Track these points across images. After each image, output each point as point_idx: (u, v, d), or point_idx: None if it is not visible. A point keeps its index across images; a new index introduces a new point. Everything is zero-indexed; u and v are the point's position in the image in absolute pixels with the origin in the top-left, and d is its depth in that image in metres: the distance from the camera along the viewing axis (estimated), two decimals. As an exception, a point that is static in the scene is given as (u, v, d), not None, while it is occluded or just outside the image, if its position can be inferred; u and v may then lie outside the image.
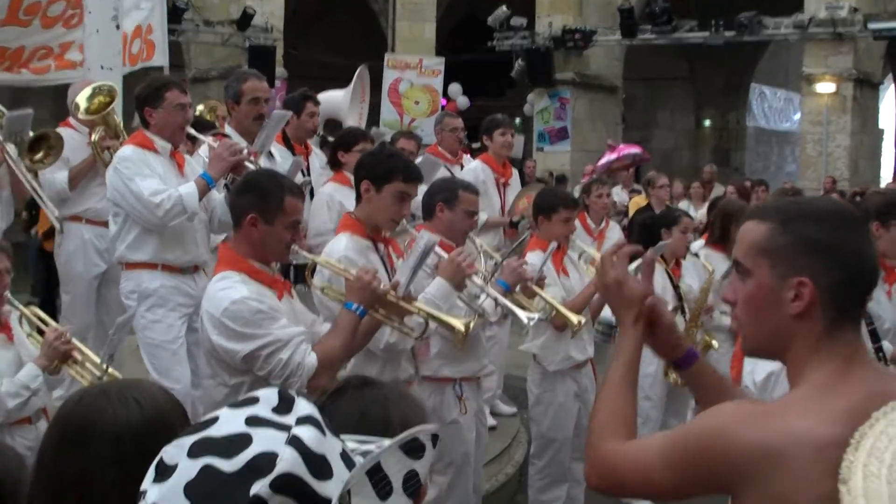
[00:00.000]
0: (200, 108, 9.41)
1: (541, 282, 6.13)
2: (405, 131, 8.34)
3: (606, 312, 7.45)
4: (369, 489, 1.60)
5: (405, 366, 5.36)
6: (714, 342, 7.95)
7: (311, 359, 4.42)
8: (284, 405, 1.62)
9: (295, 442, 1.53)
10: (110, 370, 5.29)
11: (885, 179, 25.93)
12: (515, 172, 9.70)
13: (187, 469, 1.53)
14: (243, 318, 4.32)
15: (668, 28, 22.21)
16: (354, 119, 12.57)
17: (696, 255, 8.19)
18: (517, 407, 9.62)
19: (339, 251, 5.12)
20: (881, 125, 26.39)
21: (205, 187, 6.24)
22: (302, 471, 1.51)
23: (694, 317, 7.81)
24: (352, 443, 1.73)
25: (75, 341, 5.24)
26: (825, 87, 21.86)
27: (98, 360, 5.28)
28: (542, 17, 23.45)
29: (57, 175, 7.59)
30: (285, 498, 1.49)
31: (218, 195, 6.40)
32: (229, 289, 4.40)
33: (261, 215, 4.44)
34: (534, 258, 6.58)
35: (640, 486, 2.52)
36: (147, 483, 1.57)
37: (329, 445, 1.59)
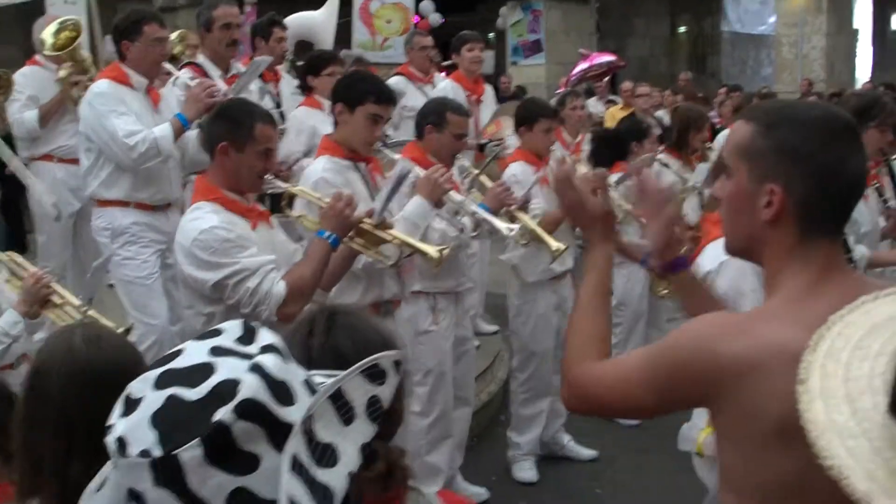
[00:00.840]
0: (172, 37, 9.27)
1: (524, 206, 6.16)
2: (329, 54, 8.23)
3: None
4: (332, 414, 1.60)
5: (389, 284, 5.39)
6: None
7: (280, 287, 4.41)
8: (247, 335, 1.65)
9: (257, 369, 1.55)
10: (90, 312, 5.28)
11: (861, 80, 25.88)
12: (489, 88, 9.65)
13: (153, 400, 1.55)
14: (211, 247, 4.32)
15: (640, -65, 21.97)
16: (330, 42, 12.38)
17: (666, 164, 8.18)
18: (499, 325, 9.68)
19: (316, 173, 5.17)
20: (856, 25, 26.23)
21: (180, 129, 6.22)
22: (265, 397, 1.53)
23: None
24: (319, 377, 1.74)
25: (54, 285, 5.21)
26: (800, -12, 21.73)
27: (77, 303, 5.27)
28: (513, -71, 23.20)
29: (26, 114, 7.53)
30: (248, 423, 1.51)
31: (190, 133, 6.35)
32: (199, 219, 4.41)
33: (232, 143, 4.43)
34: (516, 168, 6.63)
35: (619, 405, 2.55)
36: (114, 417, 1.58)
37: (291, 372, 1.61)
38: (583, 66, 18.10)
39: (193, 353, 1.62)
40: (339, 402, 1.63)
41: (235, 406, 1.50)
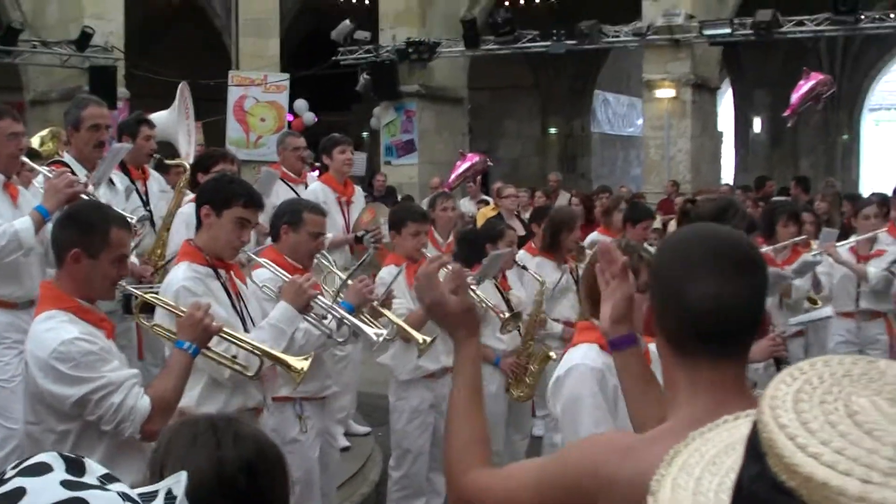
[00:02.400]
0: (43, 133, 9.12)
1: (388, 301, 6.17)
2: (220, 152, 8.24)
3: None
4: None
5: (253, 392, 5.27)
6: (552, 353, 8.07)
7: (144, 402, 4.21)
8: (75, 466, 1.57)
9: (129, 498, 1.52)
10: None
11: (726, 180, 26.64)
12: (358, 190, 9.69)
13: None
14: (73, 360, 4.09)
15: (511, 38, 22.41)
16: (185, 138, 12.32)
17: (524, 267, 8.28)
18: (371, 425, 9.61)
19: (177, 282, 5.03)
20: (720, 128, 27.08)
21: (40, 221, 6.07)
22: None
23: (530, 329, 7.91)
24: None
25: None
26: (665, 92, 22.33)
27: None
28: (385, 30, 23.46)
29: None
30: None
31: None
32: (57, 329, 4.17)
33: (85, 250, 4.22)
34: (385, 273, 6.68)
35: None
36: None
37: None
38: (463, 165, 18.35)
39: (43, 490, 1.51)
40: None
41: None
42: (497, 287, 7.83)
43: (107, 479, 1.55)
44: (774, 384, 1.30)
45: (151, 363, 7.38)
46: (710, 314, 2.23)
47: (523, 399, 7.99)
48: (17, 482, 1.52)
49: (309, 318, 5.46)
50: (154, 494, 1.64)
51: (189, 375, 4.47)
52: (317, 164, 10.37)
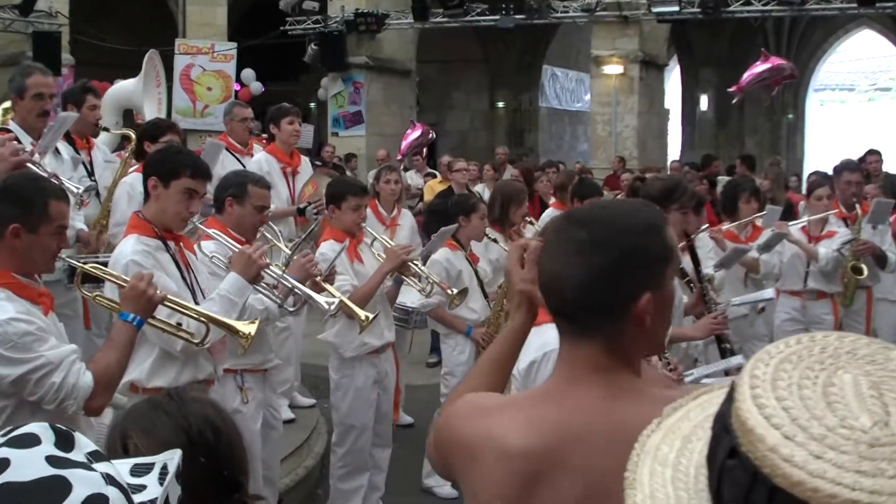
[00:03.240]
0: (6, 105, 8.93)
1: (330, 276, 6.15)
2: (167, 123, 8.15)
3: (403, 297, 7.52)
4: None
5: (203, 364, 5.26)
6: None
7: (87, 379, 4.15)
8: (64, 440, 1.54)
9: (112, 481, 1.49)
10: None
11: (672, 157, 26.81)
12: (305, 160, 9.63)
13: None
14: (10, 341, 4.00)
15: (460, 11, 22.34)
16: (153, 107, 12.25)
17: (494, 239, 8.32)
18: (316, 397, 9.61)
19: (126, 255, 4.98)
20: (667, 105, 27.22)
21: None
22: None
23: (500, 300, 7.93)
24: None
25: None
26: (613, 68, 22.43)
27: None
28: (334, 1, 23.30)
29: None
30: None
31: None
32: None
33: (24, 224, 4.11)
34: (327, 248, 6.63)
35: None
36: None
37: (123, 477, 1.57)
38: (413, 134, 18.32)
39: (26, 464, 1.48)
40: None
41: None
42: (467, 259, 7.86)
43: (94, 457, 1.53)
44: (773, 346, 1.33)
45: (96, 333, 7.33)
46: (548, 292, 2.33)
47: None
48: (3, 452, 1.50)
49: (259, 289, 5.44)
50: (150, 467, 1.63)
51: (133, 347, 4.41)
52: (264, 134, 10.27)
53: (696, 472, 1.39)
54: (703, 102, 35.13)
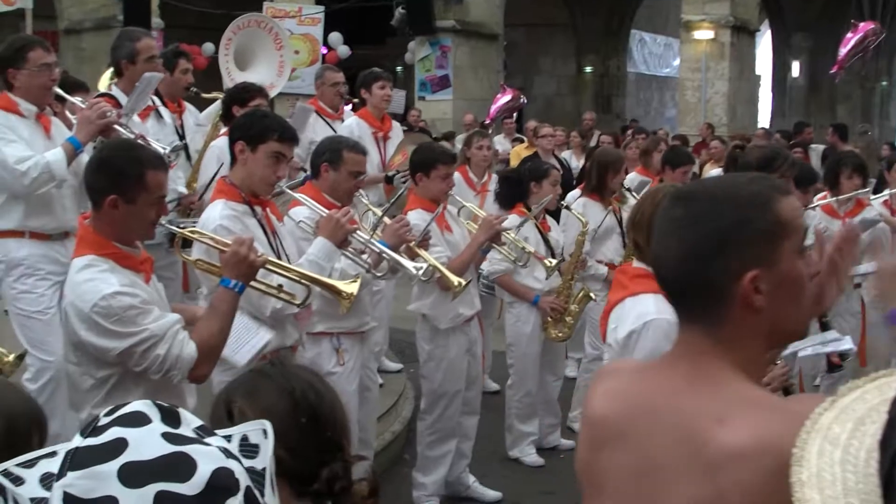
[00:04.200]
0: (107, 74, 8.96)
1: (424, 242, 6.09)
2: (255, 87, 8.09)
3: (489, 265, 7.47)
4: (270, 488, 1.57)
5: (290, 331, 5.25)
6: (592, 294, 8.03)
7: (190, 349, 4.15)
8: (171, 416, 1.53)
9: (230, 454, 1.49)
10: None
11: (762, 124, 26.41)
12: (396, 125, 9.58)
13: (136, 499, 1.42)
14: (115, 315, 4.01)
15: (548, -25, 22.18)
16: (269, 71, 11.96)
17: (567, 207, 8.22)
18: (403, 362, 9.61)
19: (214, 220, 4.97)
20: (757, 72, 26.80)
21: (72, 152, 6.03)
22: (251, 482, 1.49)
23: (570, 269, 7.86)
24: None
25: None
26: (703, 33, 22.12)
27: (-33, 330, 5.11)
28: (422, -36, 23.24)
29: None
30: None
31: (86, 157, 6.14)
32: (97, 280, 4.07)
33: (121, 195, 4.08)
34: (414, 217, 6.53)
35: None
36: None
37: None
38: (503, 98, 18.23)
39: (144, 442, 1.47)
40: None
41: (244, 495, 1.45)
42: (537, 227, 7.77)
43: (202, 431, 1.52)
44: None
45: (192, 297, 7.38)
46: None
47: (560, 339, 7.96)
48: (117, 432, 1.48)
49: (347, 253, 5.41)
50: (228, 438, 1.61)
51: (234, 314, 4.38)
52: (354, 99, 10.22)
53: (868, 456, 1.34)
54: (795, 69, 34.48)
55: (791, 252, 2.10)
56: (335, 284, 4.83)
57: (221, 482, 1.43)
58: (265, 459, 1.59)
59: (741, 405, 2.01)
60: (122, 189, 4.10)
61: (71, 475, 1.44)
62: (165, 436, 1.47)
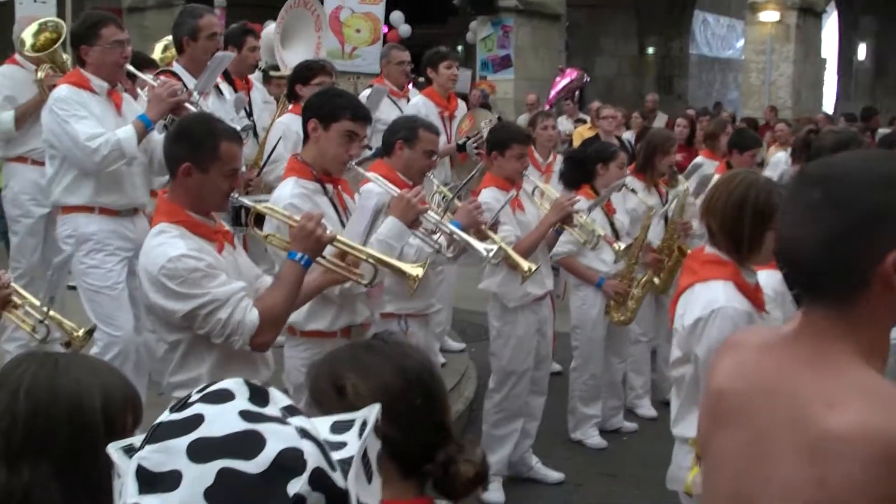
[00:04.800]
0: (166, 41, 9.02)
1: (495, 225, 6.08)
2: (319, 64, 8.06)
3: (558, 247, 7.43)
4: (361, 474, 1.51)
5: (360, 309, 5.24)
6: (656, 279, 7.98)
7: (252, 316, 4.22)
8: (259, 395, 1.51)
9: (307, 435, 1.45)
10: (51, 313, 5.17)
11: (827, 108, 26.09)
12: (462, 104, 9.58)
13: (199, 475, 1.40)
14: (180, 277, 4.12)
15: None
16: (307, 50, 12.02)
17: (633, 190, 8.16)
18: (465, 342, 9.61)
19: (285, 198, 4.99)
20: (823, 54, 26.47)
21: (143, 130, 6.07)
22: (323, 464, 1.43)
23: (634, 253, 7.80)
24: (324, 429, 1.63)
25: (14, 285, 5.09)
26: (769, 15, 21.87)
27: (38, 304, 5.16)
28: (485, -57, 23.13)
29: (2, 115, 7.39)
30: (319, 494, 1.41)
31: (158, 136, 6.16)
32: (166, 245, 4.19)
33: (195, 164, 4.22)
34: (487, 196, 6.54)
35: None
36: (131, 496, 1.43)
37: (323, 433, 1.52)
38: (560, 84, 18.12)
39: (220, 419, 1.46)
40: (365, 460, 1.53)
41: (309, 477, 1.40)
42: (603, 209, 7.72)
43: (289, 412, 1.49)
44: None
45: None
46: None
47: (624, 323, 7.92)
48: (198, 408, 1.48)
49: (417, 234, 5.41)
50: (349, 424, 1.59)
51: (300, 287, 4.43)
52: (419, 78, 10.22)
53: None
54: (861, 51, 34.00)
55: None
56: (402, 266, 4.81)
57: (287, 462, 1.40)
58: (359, 444, 1.55)
59: (854, 391, 1.99)
60: (196, 158, 4.23)
61: (147, 448, 1.44)
62: (243, 413, 1.46)
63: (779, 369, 2.15)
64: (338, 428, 1.59)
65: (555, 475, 7.28)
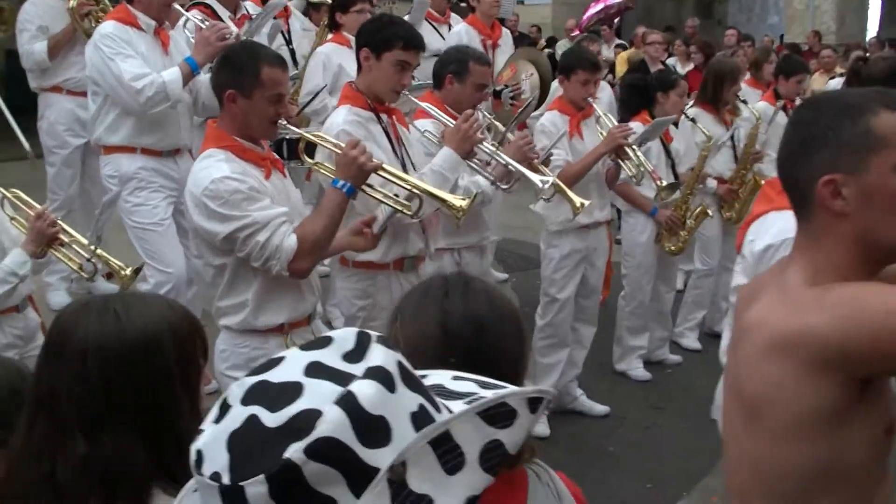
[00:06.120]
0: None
1: (547, 161, 6.02)
2: None
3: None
4: (432, 461, 1.38)
5: (413, 240, 5.22)
6: (709, 210, 7.89)
7: (291, 241, 4.23)
8: (357, 350, 1.42)
9: (346, 400, 1.33)
10: (98, 251, 5.14)
11: (871, 33, 25.64)
12: (506, 33, 9.47)
13: (235, 417, 1.35)
14: (221, 198, 4.15)
15: None
16: None
17: (693, 119, 8.03)
18: (506, 271, 9.56)
19: (337, 125, 4.96)
20: (868, -23, 26.00)
21: (189, 73, 6.02)
22: (347, 435, 1.31)
23: (691, 183, 7.70)
24: (471, 385, 1.54)
25: (61, 223, 5.06)
26: (813, -64, 21.48)
27: (85, 242, 5.13)
28: None
29: (35, 45, 7.30)
30: (322, 465, 1.30)
31: (203, 77, 6.11)
32: (211, 167, 4.22)
33: (239, 90, 4.26)
34: (549, 120, 6.63)
35: None
36: (207, 421, 1.40)
37: (395, 404, 1.37)
38: (596, 7, 17.87)
39: (291, 365, 1.40)
40: (445, 447, 1.39)
41: (308, 445, 1.30)
42: (660, 137, 7.61)
43: (373, 374, 1.37)
44: None
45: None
46: None
47: (675, 253, 7.84)
48: (285, 352, 1.44)
49: (472, 164, 5.34)
50: (474, 393, 1.51)
51: (343, 214, 4.41)
52: (459, 2, 10.07)
53: None
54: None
55: (884, 166, 2.17)
56: (446, 197, 4.75)
57: (299, 423, 1.31)
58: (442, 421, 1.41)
59: (777, 291, 2.26)
60: (240, 83, 4.27)
61: (239, 382, 1.41)
62: (310, 364, 1.39)
63: (763, 282, 2.42)
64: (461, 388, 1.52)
65: (600, 408, 7.23)
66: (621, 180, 7.35)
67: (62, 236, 5.01)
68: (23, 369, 2.72)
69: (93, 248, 5.11)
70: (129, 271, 5.24)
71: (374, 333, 1.46)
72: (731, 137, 8.32)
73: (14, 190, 5.21)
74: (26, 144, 7.12)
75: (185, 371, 2.28)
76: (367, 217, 4.69)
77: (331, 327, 6.35)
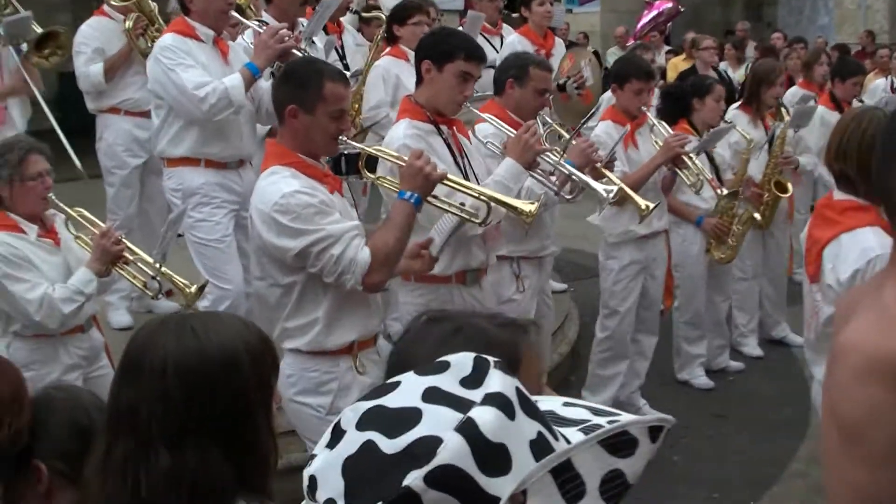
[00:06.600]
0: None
1: (610, 162, 6.00)
2: (415, 3, 7.93)
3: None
4: (553, 490, 1.36)
5: (476, 252, 5.21)
6: (756, 214, 7.82)
7: (364, 254, 4.22)
8: (475, 376, 1.39)
9: (466, 427, 1.31)
10: (164, 269, 5.17)
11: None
12: (559, 41, 9.45)
13: (351, 442, 1.35)
14: (294, 213, 4.14)
15: None
16: None
17: (730, 122, 7.96)
18: (564, 281, 9.52)
19: (398, 139, 4.97)
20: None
21: (250, 78, 6.00)
22: (467, 463, 1.29)
23: (734, 188, 7.61)
24: (583, 411, 1.52)
25: (126, 241, 5.10)
26: (863, -65, 21.28)
27: (150, 260, 5.16)
28: None
29: (91, 67, 7.35)
30: (442, 494, 1.28)
31: (265, 84, 6.09)
32: (279, 182, 4.21)
33: (301, 105, 4.26)
34: (603, 130, 6.59)
35: None
36: (319, 446, 1.39)
37: (515, 432, 1.34)
38: (649, 15, 17.76)
39: (408, 390, 1.39)
40: (566, 476, 1.38)
41: (428, 472, 1.28)
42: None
43: (493, 400, 1.35)
44: None
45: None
46: None
47: (724, 261, 7.78)
48: (405, 376, 1.42)
49: (535, 175, 5.33)
50: (589, 422, 1.49)
51: (412, 226, 4.40)
52: (512, 13, 10.07)
53: None
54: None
55: None
56: (514, 203, 4.76)
57: (419, 450, 1.30)
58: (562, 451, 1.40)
59: (874, 309, 2.09)
60: (301, 99, 4.27)
61: (353, 406, 1.40)
62: (428, 390, 1.37)
63: (861, 294, 2.28)
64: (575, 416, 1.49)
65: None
66: (680, 189, 7.31)
67: (126, 254, 5.06)
68: (93, 402, 2.73)
69: (158, 265, 5.14)
70: (193, 289, 5.27)
71: (491, 359, 1.43)
72: (771, 141, 8.23)
73: (78, 209, 5.25)
74: (78, 163, 7.17)
75: (261, 387, 2.29)
76: (423, 240, 4.67)
77: (391, 341, 6.35)
